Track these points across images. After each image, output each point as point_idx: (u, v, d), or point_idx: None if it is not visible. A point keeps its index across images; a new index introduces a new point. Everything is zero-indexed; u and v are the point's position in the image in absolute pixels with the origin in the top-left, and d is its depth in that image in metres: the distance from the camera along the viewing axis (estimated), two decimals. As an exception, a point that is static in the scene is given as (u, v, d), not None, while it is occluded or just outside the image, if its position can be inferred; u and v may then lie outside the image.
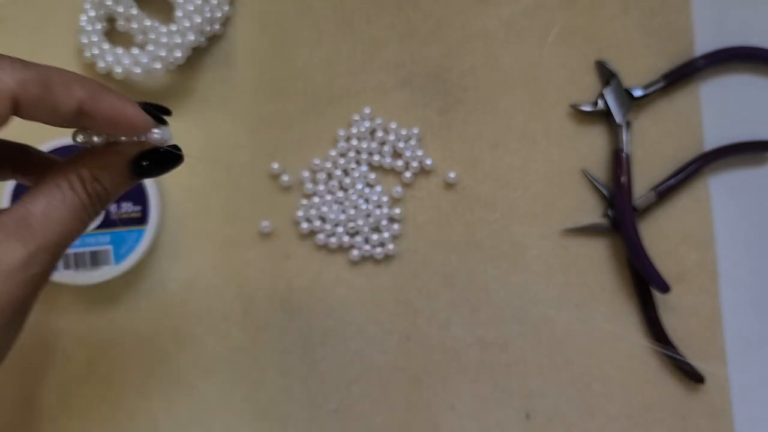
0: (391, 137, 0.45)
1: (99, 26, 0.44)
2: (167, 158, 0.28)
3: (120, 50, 0.44)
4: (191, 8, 0.43)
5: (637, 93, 0.44)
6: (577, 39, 0.46)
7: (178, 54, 0.43)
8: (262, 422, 0.43)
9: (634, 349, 0.43)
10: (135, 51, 0.44)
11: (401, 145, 0.45)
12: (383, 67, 0.45)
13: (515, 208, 0.45)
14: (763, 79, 0.46)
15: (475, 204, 0.45)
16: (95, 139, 0.28)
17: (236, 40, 0.46)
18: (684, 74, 0.45)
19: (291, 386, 0.44)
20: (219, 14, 0.45)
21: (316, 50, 0.46)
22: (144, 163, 0.28)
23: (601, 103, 0.45)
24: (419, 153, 0.44)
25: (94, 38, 0.44)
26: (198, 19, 0.43)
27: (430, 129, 0.45)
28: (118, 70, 0.43)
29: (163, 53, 0.43)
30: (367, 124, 0.45)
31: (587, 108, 0.45)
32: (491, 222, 0.44)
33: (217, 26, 0.45)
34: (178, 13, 0.44)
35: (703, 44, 0.46)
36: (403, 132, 0.45)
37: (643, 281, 0.43)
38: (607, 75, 0.45)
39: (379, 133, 0.45)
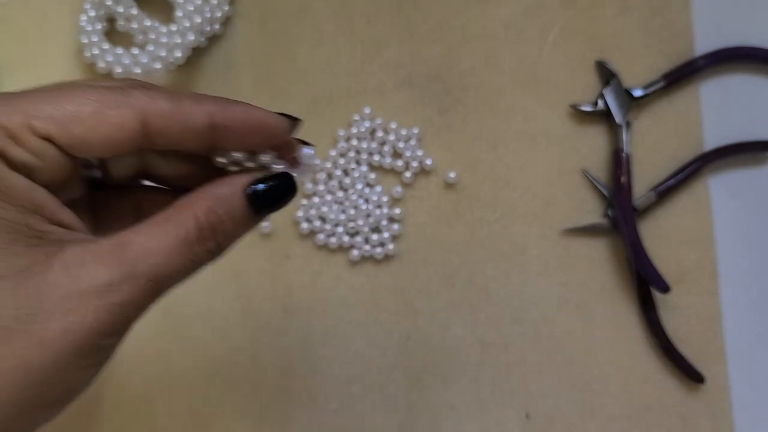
0: (391, 137, 0.45)
1: (99, 26, 0.44)
2: (283, 184, 0.26)
3: (120, 50, 0.44)
4: (191, 8, 0.43)
5: (637, 93, 0.44)
6: (577, 39, 0.46)
7: (178, 54, 0.43)
8: (263, 422, 0.43)
9: (634, 349, 0.43)
10: (135, 51, 0.44)
11: (401, 145, 0.45)
12: (383, 67, 0.46)
13: (515, 208, 0.45)
14: (763, 78, 0.46)
15: (475, 204, 0.45)
16: (236, 155, 0.26)
17: (236, 40, 0.46)
18: (684, 74, 0.45)
19: (291, 386, 0.44)
20: (219, 14, 0.45)
21: (316, 50, 0.46)
22: (259, 188, 0.25)
23: (601, 103, 0.45)
24: (419, 153, 0.44)
25: (94, 38, 0.44)
26: (198, 19, 0.43)
27: (430, 129, 0.45)
28: (118, 70, 0.43)
29: (163, 53, 0.43)
30: (367, 124, 0.45)
31: (587, 108, 0.45)
32: (491, 222, 0.44)
33: (217, 26, 0.45)
34: (178, 13, 0.44)
35: (703, 44, 0.46)
36: (403, 132, 0.45)
37: (643, 281, 0.43)
38: (607, 75, 0.45)
39: (379, 133, 0.45)
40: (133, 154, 0.26)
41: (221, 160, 0.26)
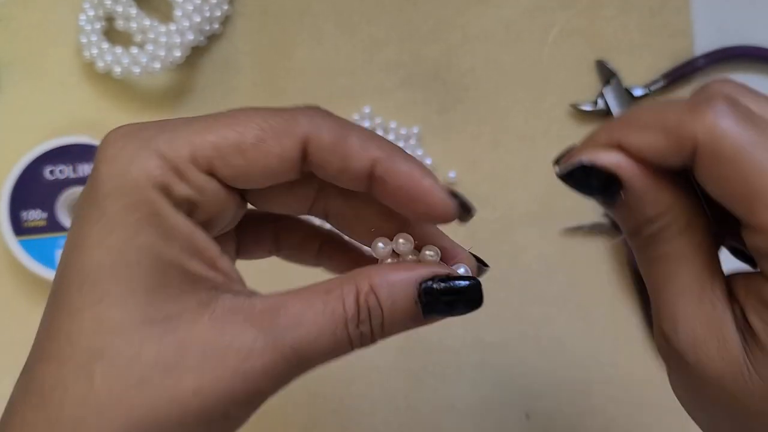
0: (391, 137, 0.45)
1: (98, 26, 0.44)
2: (468, 291, 0.23)
3: (119, 49, 0.44)
4: (190, 7, 0.44)
5: (638, 92, 0.44)
6: (577, 39, 0.46)
7: (178, 53, 0.43)
8: (263, 422, 0.43)
9: (634, 350, 0.43)
10: (134, 50, 0.44)
11: (401, 144, 0.45)
12: (383, 67, 0.46)
13: (515, 207, 0.45)
14: (763, 77, 0.46)
15: (475, 203, 0.45)
16: (402, 244, 0.23)
17: (236, 39, 0.46)
18: (684, 74, 0.45)
19: (291, 386, 0.43)
20: (218, 13, 0.45)
21: (316, 49, 0.46)
22: (434, 287, 0.22)
23: (601, 103, 0.45)
24: (419, 152, 0.44)
25: (94, 38, 0.44)
26: (197, 19, 0.43)
27: (430, 128, 0.45)
28: (118, 69, 0.43)
29: (162, 52, 0.43)
30: (367, 123, 0.45)
31: (587, 107, 0.45)
32: (491, 221, 0.44)
33: (216, 25, 0.45)
34: (178, 13, 0.44)
35: (703, 44, 0.46)
36: (403, 131, 0.45)
37: (643, 281, 0.43)
38: (607, 74, 0.45)
39: (379, 133, 0.45)
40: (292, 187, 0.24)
41: (381, 246, 0.23)
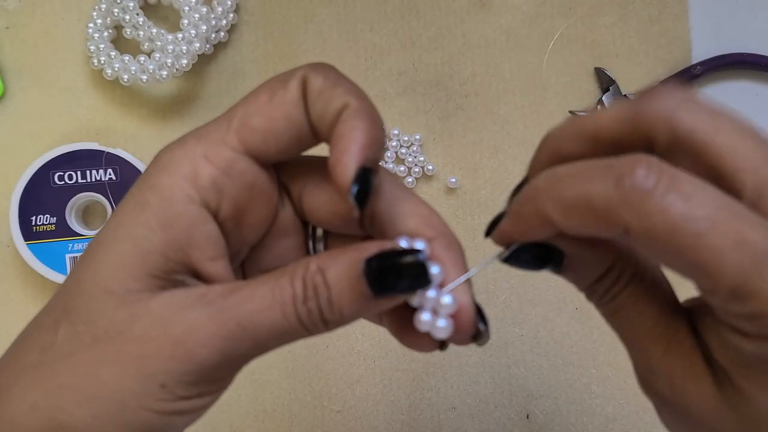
0: (394, 143, 0.45)
1: (106, 34, 0.45)
2: (408, 268, 0.21)
3: (127, 58, 0.44)
4: (197, 17, 0.44)
5: None
6: (576, 46, 0.46)
7: (185, 61, 0.44)
8: (268, 423, 0.44)
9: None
10: (142, 58, 0.44)
11: (404, 150, 0.45)
12: (386, 75, 0.46)
13: (515, 212, 0.45)
14: (760, 85, 0.46)
15: (475, 208, 0.45)
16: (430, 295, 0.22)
17: (241, 47, 0.46)
18: (682, 81, 0.45)
19: (296, 387, 0.44)
20: (224, 22, 0.45)
21: (320, 58, 0.46)
22: (378, 262, 0.21)
23: (600, 110, 0.45)
24: (421, 158, 0.45)
25: (102, 46, 0.44)
26: (204, 28, 0.44)
27: (432, 135, 0.46)
28: (125, 77, 0.44)
29: (169, 61, 0.44)
30: (369, 130, 0.45)
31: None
32: (492, 226, 0.45)
33: (222, 34, 0.45)
34: (185, 22, 0.44)
35: (701, 51, 0.46)
36: (406, 138, 0.45)
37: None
38: (605, 82, 0.46)
39: (382, 139, 0.45)
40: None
41: (404, 243, 0.22)
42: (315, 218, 0.25)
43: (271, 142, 0.23)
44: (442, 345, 0.24)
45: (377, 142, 0.22)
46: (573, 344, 0.44)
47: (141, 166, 0.44)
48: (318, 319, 0.22)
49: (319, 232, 0.26)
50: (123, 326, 0.21)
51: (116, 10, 0.44)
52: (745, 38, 0.46)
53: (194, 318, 0.21)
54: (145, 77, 0.44)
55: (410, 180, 0.45)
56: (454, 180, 0.45)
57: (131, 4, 0.44)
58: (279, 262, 0.25)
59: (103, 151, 0.44)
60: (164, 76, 0.44)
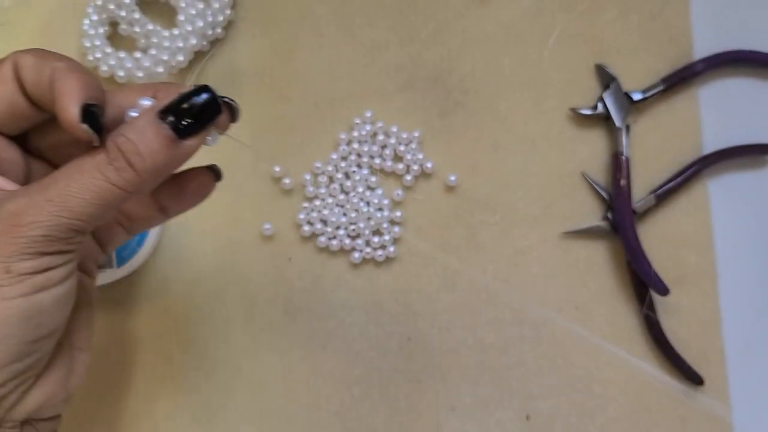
0: (392, 140, 0.45)
1: (102, 30, 0.45)
2: (198, 94, 0.26)
3: (122, 54, 0.44)
4: (193, 12, 0.44)
5: (637, 96, 0.45)
6: (576, 42, 0.46)
7: (181, 58, 0.44)
8: (265, 424, 0.44)
9: (633, 351, 0.44)
10: (137, 55, 0.44)
11: (402, 148, 0.45)
12: (384, 71, 0.46)
13: (515, 210, 0.45)
14: (762, 82, 0.46)
15: (475, 207, 0.45)
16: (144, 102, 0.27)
17: (238, 44, 0.46)
18: (683, 78, 0.45)
19: (293, 388, 0.44)
20: (221, 18, 0.45)
21: (318, 54, 0.46)
22: (172, 105, 0.26)
23: (600, 107, 0.45)
24: (420, 156, 0.45)
25: (97, 42, 0.44)
26: (200, 24, 0.44)
27: (431, 132, 0.45)
28: (121, 73, 0.44)
29: (165, 57, 0.43)
30: (368, 127, 0.45)
31: (587, 111, 0.45)
32: (491, 224, 0.45)
33: (219, 30, 0.45)
34: (181, 17, 0.44)
35: (702, 48, 0.46)
36: (404, 135, 0.45)
37: (642, 283, 0.43)
38: (606, 78, 0.45)
39: (380, 137, 0.45)
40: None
41: (132, 113, 0.27)
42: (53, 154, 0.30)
43: None
44: (216, 174, 0.31)
45: (92, 85, 0.26)
46: (574, 345, 0.44)
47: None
48: (130, 172, 0.25)
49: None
50: None
51: (112, 6, 0.44)
52: (747, 35, 0.46)
53: (14, 207, 0.25)
54: (141, 74, 0.44)
55: (409, 178, 0.45)
56: (453, 178, 0.45)
57: (127, 0, 0.44)
58: None
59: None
60: (160, 73, 0.44)
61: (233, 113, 0.29)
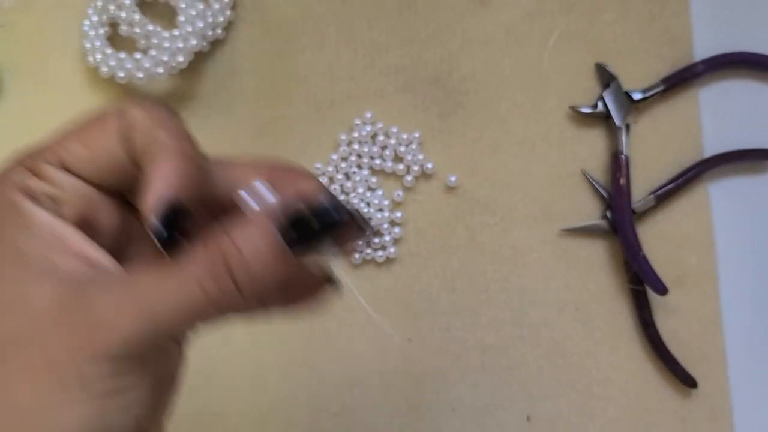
0: (392, 141, 0.45)
1: (102, 31, 0.45)
2: (326, 212, 0.21)
3: (123, 55, 0.44)
4: (193, 13, 0.44)
5: (637, 96, 0.45)
6: (576, 43, 0.46)
7: (181, 59, 0.44)
8: (265, 426, 0.44)
9: (634, 352, 0.44)
10: (138, 56, 0.44)
11: (402, 149, 0.45)
12: (384, 72, 0.46)
13: (515, 211, 0.45)
14: (762, 84, 0.46)
15: (475, 207, 0.45)
16: (261, 188, 0.23)
17: (238, 44, 0.46)
18: (683, 79, 0.45)
19: (294, 389, 0.44)
20: (221, 19, 0.45)
21: (318, 55, 0.46)
22: (295, 215, 0.21)
23: (600, 106, 0.45)
24: (420, 157, 0.45)
25: (97, 43, 0.44)
26: (200, 24, 0.44)
27: (431, 133, 0.45)
28: (121, 74, 0.44)
29: (165, 58, 0.43)
30: (368, 128, 0.45)
31: (587, 110, 0.45)
32: (491, 225, 0.45)
33: (219, 31, 0.45)
34: (181, 18, 0.44)
35: (703, 49, 0.46)
36: (404, 136, 0.45)
37: (640, 283, 0.43)
38: (606, 77, 0.45)
39: (381, 138, 0.45)
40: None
41: (244, 194, 0.23)
42: None
43: (95, 169, 0.23)
44: (330, 280, 0.25)
45: (188, 177, 0.22)
46: (574, 345, 0.44)
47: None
48: (234, 296, 0.21)
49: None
50: (22, 333, 0.21)
51: (112, 7, 0.44)
52: (748, 37, 0.46)
53: (101, 311, 0.21)
54: (141, 75, 0.44)
55: (409, 178, 0.45)
56: (453, 179, 0.45)
57: (127, 1, 0.44)
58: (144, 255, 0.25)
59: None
60: (160, 74, 0.44)
61: (361, 227, 0.24)
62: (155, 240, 0.21)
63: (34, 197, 0.22)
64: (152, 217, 0.21)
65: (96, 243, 0.23)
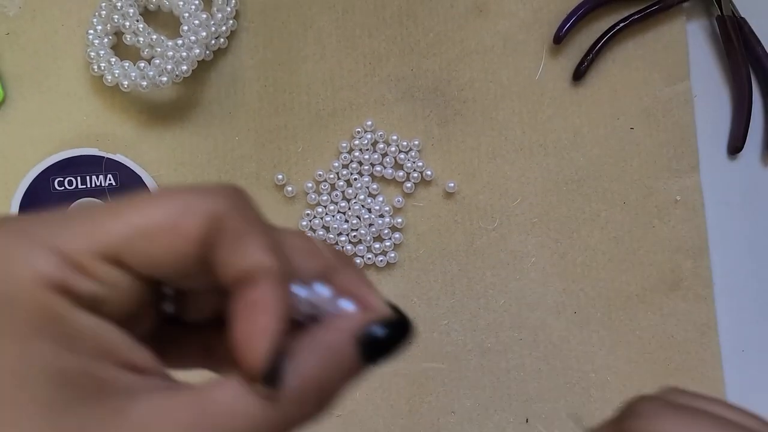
0: (393, 149, 0.46)
1: (106, 40, 0.45)
2: (400, 328, 0.20)
3: (127, 64, 0.44)
4: (197, 23, 0.44)
5: None
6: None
7: (184, 67, 0.44)
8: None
9: (631, 355, 0.44)
10: (142, 64, 0.44)
11: (402, 156, 0.46)
12: (384, 81, 0.46)
13: (513, 216, 0.45)
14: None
15: (474, 213, 0.46)
16: (322, 291, 0.21)
17: (241, 54, 0.47)
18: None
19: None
20: (224, 29, 0.45)
21: (319, 64, 0.46)
22: (376, 332, 0.20)
23: None
24: (420, 164, 0.45)
25: (102, 52, 0.45)
26: (203, 34, 0.44)
27: (430, 140, 0.46)
28: (125, 83, 0.44)
29: (169, 67, 0.44)
30: (369, 136, 0.46)
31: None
32: (490, 230, 0.45)
33: (222, 40, 0.46)
34: (184, 28, 0.44)
35: (697, 56, 0.46)
36: (404, 143, 0.46)
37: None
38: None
39: (381, 145, 0.46)
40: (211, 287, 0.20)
41: (301, 293, 0.20)
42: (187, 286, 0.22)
43: (159, 269, 0.19)
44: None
45: (289, 312, 0.19)
46: (572, 348, 0.44)
47: (141, 172, 0.44)
48: (313, 414, 0.19)
49: (168, 290, 0.22)
50: None
51: (116, 16, 0.44)
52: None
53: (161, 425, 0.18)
54: (144, 83, 0.44)
55: (409, 185, 0.45)
56: (452, 185, 0.45)
57: (131, 10, 0.44)
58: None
59: (103, 157, 0.44)
60: (164, 82, 0.44)
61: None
62: (263, 387, 0.18)
63: (76, 298, 0.18)
64: (262, 368, 0.18)
65: (138, 341, 0.19)
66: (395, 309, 0.21)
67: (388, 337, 0.20)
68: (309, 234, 0.45)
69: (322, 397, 0.19)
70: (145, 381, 0.19)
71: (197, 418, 0.18)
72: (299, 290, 0.20)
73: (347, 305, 0.21)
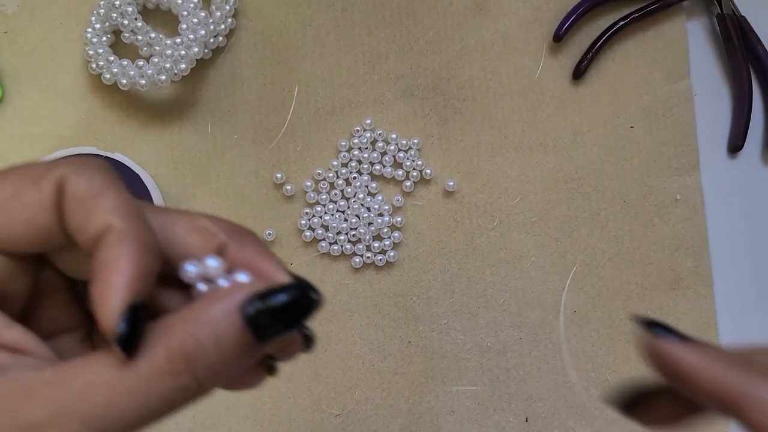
0: (392, 147, 0.46)
1: (105, 38, 0.45)
2: (297, 297, 0.20)
3: (125, 62, 0.44)
4: (196, 21, 0.44)
5: None
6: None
7: (183, 66, 0.44)
8: (267, 427, 0.44)
9: (630, 354, 0.44)
10: (140, 63, 0.44)
11: (401, 155, 0.45)
12: (384, 79, 0.46)
13: (512, 215, 0.45)
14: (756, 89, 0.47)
15: (473, 212, 0.46)
16: (211, 264, 0.20)
17: (240, 52, 0.47)
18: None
19: (295, 391, 0.44)
20: (223, 27, 0.45)
21: (318, 62, 0.46)
22: (264, 304, 0.19)
23: None
24: (419, 162, 0.45)
25: (100, 50, 0.45)
26: (202, 32, 0.44)
27: (430, 139, 0.46)
28: (124, 81, 0.44)
29: (168, 65, 0.44)
30: (368, 134, 0.46)
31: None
32: (489, 229, 0.45)
33: (221, 39, 0.46)
34: (183, 26, 0.44)
35: (698, 55, 0.46)
36: (404, 142, 0.46)
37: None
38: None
39: (380, 144, 0.46)
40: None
41: (191, 269, 0.20)
42: (80, 274, 0.22)
43: (15, 242, 0.20)
44: (271, 369, 0.23)
45: (148, 272, 0.19)
46: (571, 347, 0.44)
47: (140, 171, 0.44)
48: (193, 392, 0.19)
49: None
50: None
51: (115, 14, 0.44)
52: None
53: (29, 420, 0.18)
54: (143, 82, 0.44)
55: (408, 184, 0.45)
56: (452, 183, 0.45)
57: (130, 8, 0.44)
58: (56, 317, 0.22)
59: (102, 156, 0.44)
60: (163, 81, 0.44)
61: (308, 342, 0.23)
62: (117, 348, 0.18)
63: None
64: (115, 327, 0.18)
65: (12, 319, 0.19)
66: (295, 278, 0.21)
67: (282, 305, 0.19)
68: (306, 232, 0.45)
69: (198, 370, 0.19)
70: (15, 359, 0.19)
71: (56, 392, 0.18)
72: (189, 266, 0.20)
73: (242, 277, 0.21)
